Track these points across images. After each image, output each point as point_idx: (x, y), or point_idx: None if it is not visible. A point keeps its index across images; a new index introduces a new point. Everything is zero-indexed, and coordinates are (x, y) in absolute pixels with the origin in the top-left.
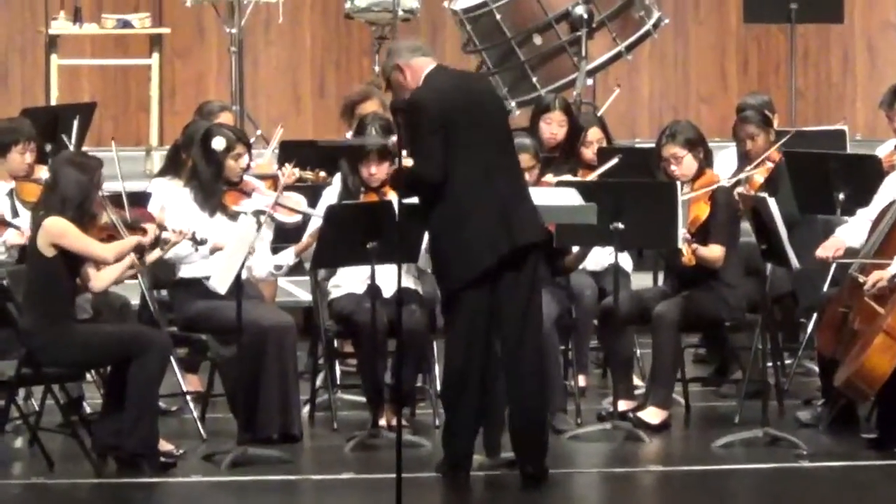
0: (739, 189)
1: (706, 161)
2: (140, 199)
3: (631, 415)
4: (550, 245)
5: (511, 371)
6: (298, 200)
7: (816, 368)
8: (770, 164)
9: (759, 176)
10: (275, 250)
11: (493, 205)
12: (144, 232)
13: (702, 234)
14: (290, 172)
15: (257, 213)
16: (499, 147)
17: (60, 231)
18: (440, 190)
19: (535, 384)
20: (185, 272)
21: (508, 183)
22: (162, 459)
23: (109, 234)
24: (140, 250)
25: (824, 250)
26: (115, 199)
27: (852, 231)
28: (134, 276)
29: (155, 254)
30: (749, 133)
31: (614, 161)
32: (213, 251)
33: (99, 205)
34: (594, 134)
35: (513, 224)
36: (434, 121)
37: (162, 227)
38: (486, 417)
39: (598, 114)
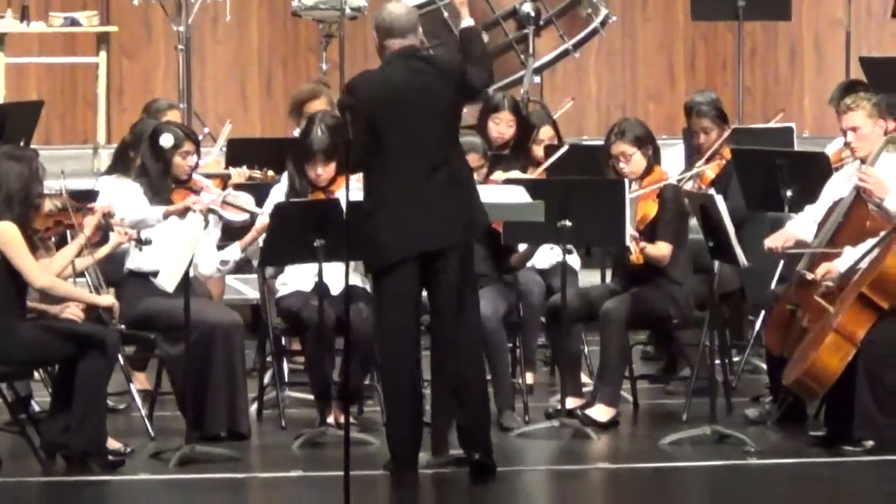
0: (689, 185)
1: (655, 158)
2: (88, 197)
3: (579, 412)
4: (468, 242)
5: (450, 365)
6: (247, 199)
7: (764, 366)
8: (722, 161)
9: (711, 172)
10: (221, 248)
11: (407, 202)
12: (90, 212)
13: (650, 231)
14: (240, 172)
15: (205, 212)
16: (433, 141)
17: (6, 240)
18: (366, 174)
19: (472, 378)
20: (132, 263)
21: (434, 181)
22: (110, 457)
23: (56, 221)
24: (108, 310)
25: (773, 241)
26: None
27: (801, 225)
28: (80, 275)
29: (100, 252)
30: (703, 126)
31: (564, 149)
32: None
33: (40, 194)
34: (546, 132)
35: (426, 228)
36: (358, 111)
37: (109, 216)
38: (433, 415)
39: (555, 116)
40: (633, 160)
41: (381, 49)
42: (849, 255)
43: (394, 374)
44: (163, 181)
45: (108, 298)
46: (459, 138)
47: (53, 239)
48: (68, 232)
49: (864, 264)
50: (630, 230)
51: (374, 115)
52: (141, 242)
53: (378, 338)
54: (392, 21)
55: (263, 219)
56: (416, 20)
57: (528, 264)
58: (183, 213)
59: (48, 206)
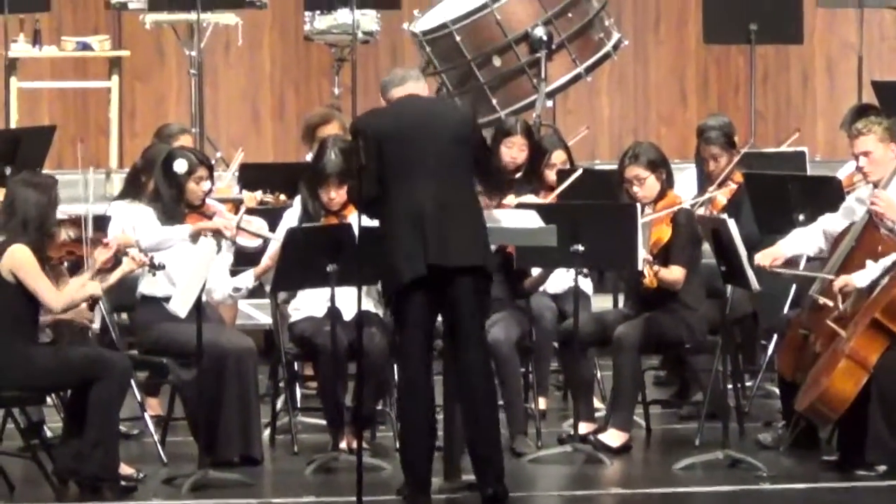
0: (701, 210)
1: (668, 183)
2: (100, 222)
3: (591, 437)
4: (487, 273)
5: (461, 391)
6: (260, 225)
7: (777, 390)
8: (733, 186)
9: (723, 197)
10: (234, 273)
11: (416, 224)
12: (104, 246)
13: (663, 255)
14: (252, 196)
15: (218, 237)
16: (441, 169)
17: (20, 263)
18: (378, 206)
19: (482, 403)
20: (144, 288)
21: (443, 204)
22: (123, 483)
23: (69, 251)
24: (95, 301)
25: (762, 258)
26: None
27: (792, 242)
28: (91, 307)
29: (112, 278)
30: (712, 154)
31: (578, 173)
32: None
33: (57, 222)
34: (558, 157)
35: (432, 245)
36: (367, 145)
37: (123, 250)
38: (445, 440)
39: (569, 144)
40: (646, 184)
41: (387, 104)
42: (869, 270)
43: (409, 398)
44: (176, 206)
45: (93, 286)
46: (472, 172)
47: (66, 264)
48: (87, 260)
49: (882, 281)
50: (644, 254)
51: (382, 143)
52: (154, 267)
53: (397, 362)
54: (392, 75)
55: (276, 245)
56: (417, 74)
57: (541, 289)
58: (211, 233)
59: (62, 235)
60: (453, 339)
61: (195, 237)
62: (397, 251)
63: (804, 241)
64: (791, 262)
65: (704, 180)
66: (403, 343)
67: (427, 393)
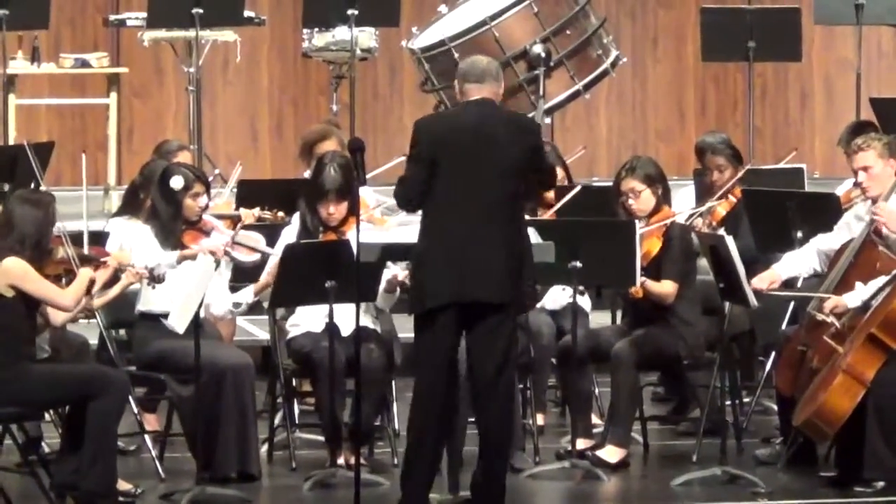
0: (699, 222)
1: (665, 199)
2: (98, 239)
3: (589, 453)
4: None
5: (477, 418)
6: (257, 238)
7: (775, 406)
8: (733, 200)
9: (722, 209)
10: (233, 289)
11: (451, 250)
12: (102, 265)
13: (655, 269)
14: (248, 213)
15: (221, 255)
16: (490, 195)
17: (20, 274)
18: (423, 216)
19: (496, 435)
20: (143, 305)
21: (485, 232)
22: (120, 499)
23: (66, 269)
24: (92, 284)
25: (759, 282)
26: (75, 238)
27: (787, 264)
28: (91, 315)
29: (112, 292)
30: (718, 164)
31: (576, 190)
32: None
33: (55, 239)
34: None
35: (465, 277)
36: (421, 151)
37: (122, 265)
38: (446, 453)
39: (567, 161)
40: (641, 197)
41: (460, 96)
42: (859, 291)
43: (418, 419)
44: (173, 223)
45: (86, 270)
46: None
47: (63, 280)
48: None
49: (875, 301)
50: None
51: (436, 156)
52: (154, 279)
53: (415, 379)
54: (470, 65)
55: (276, 260)
56: (496, 70)
57: (539, 305)
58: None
59: (61, 252)
60: (474, 368)
61: (183, 260)
62: (426, 273)
63: (798, 262)
64: (788, 283)
65: (703, 196)
66: (422, 365)
67: (440, 417)
